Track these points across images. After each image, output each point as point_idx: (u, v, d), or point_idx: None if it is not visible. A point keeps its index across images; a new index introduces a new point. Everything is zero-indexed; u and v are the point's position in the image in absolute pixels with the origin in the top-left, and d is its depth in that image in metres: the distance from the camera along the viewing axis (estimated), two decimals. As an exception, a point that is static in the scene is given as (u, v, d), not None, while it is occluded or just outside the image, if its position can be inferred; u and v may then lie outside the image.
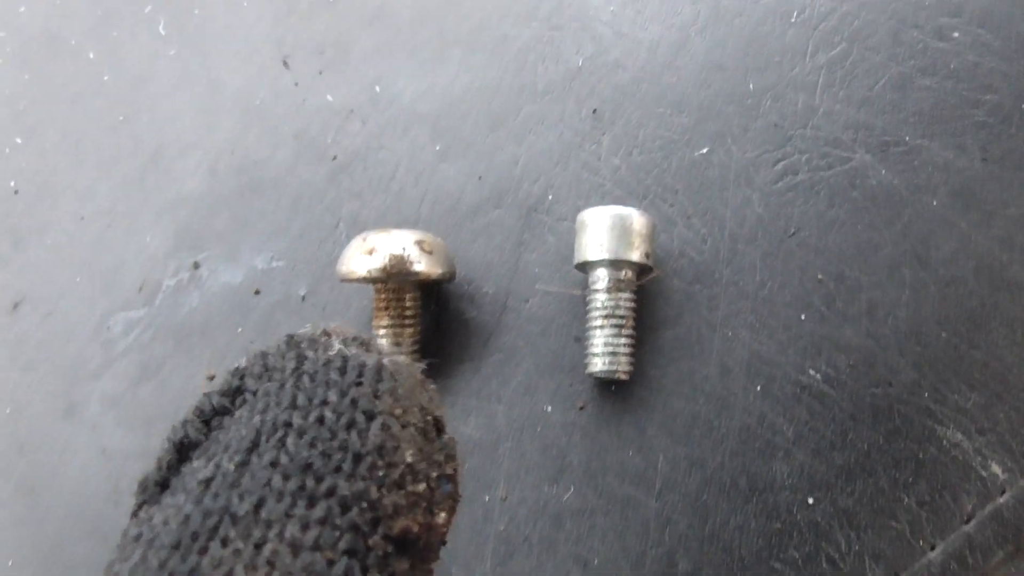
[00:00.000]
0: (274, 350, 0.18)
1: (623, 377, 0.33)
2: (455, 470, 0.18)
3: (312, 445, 0.16)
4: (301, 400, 0.16)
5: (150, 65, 0.43)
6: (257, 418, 0.17)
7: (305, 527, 0.15)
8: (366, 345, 0.18)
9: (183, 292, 0.38)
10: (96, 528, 0.35)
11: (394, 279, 0.32)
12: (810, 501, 0.33)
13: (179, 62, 0.43)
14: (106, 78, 0.44)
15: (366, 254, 0.32)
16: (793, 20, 0.38)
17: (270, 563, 0.14)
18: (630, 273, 0.33)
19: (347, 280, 0.33)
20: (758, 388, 0.33)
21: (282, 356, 0.18)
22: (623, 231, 0.32)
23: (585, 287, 0.34)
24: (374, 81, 0.40)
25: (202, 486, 0.15)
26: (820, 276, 0.34)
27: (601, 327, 0.32)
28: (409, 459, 0.16)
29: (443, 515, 0.17)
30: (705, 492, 0.32)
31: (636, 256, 0.32)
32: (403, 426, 0.17)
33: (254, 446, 0.16)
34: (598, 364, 0.33)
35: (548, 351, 0.35)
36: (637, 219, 0.33)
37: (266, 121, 0.41)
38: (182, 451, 0.18)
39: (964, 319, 0.34)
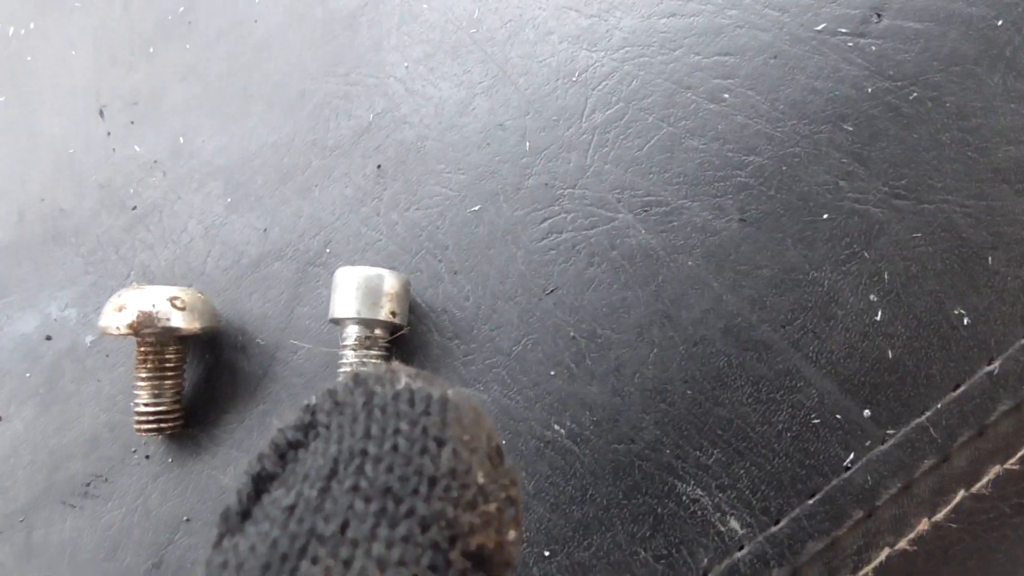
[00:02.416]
0: (342, 387, 0.20)
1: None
2: (518, 494, 0.19)
3: (389, 470, 0.17)
4: (375, 430, 0.18)
5: (-21, 112, 0.45)
6: (334, 448, 0.18)
7: (390, 545, 0.16)
8: (429, 380, 0.20)
9: (-21, 338, 0.39)
10: None
11: (147, 334, 0.33)
12: (546, 554, 0.33)
13: (5, 110, 0.44)
14: (-63, 124, 0.45)
15: (117, 311, 0.33)
16: (575, 79, 0.39)
17: None
18: (379, 331, 0.34)
19: (105, 334, 0.34)
20: (503, 442, 0.34)
21: (351, 392, 0.19)
22: (371, 291, 0.33)
23: (339, 342, 0.35)
24: (179, 133, 0.42)
25: (286, 512, 0.17)
26: (573, 334, 0.35)
27: (345, 383, 0.33)
28: (480, 480, 0.18)
29: (512, 533, 0.18)
30: None
31: (383, 315, 0.34)
32: (471, 451, 0.18)
33: (333, 473, 0.17)
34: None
35: (308, 404, 0.36)
36: (387, 279, 0.34)
37: (76, 170, 0.42)
38: (259, 484, 0.19)
39: (710, 378, 0.35)
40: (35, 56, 0.45)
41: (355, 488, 0.17)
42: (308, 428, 0.19)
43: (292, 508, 0.17)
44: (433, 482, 0.17)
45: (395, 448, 0.17)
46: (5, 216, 0.42)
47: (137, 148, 0.42)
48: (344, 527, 0.16)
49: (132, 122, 0.42)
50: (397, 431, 0.18)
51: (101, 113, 0.43)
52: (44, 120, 0.43)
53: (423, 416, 0.18)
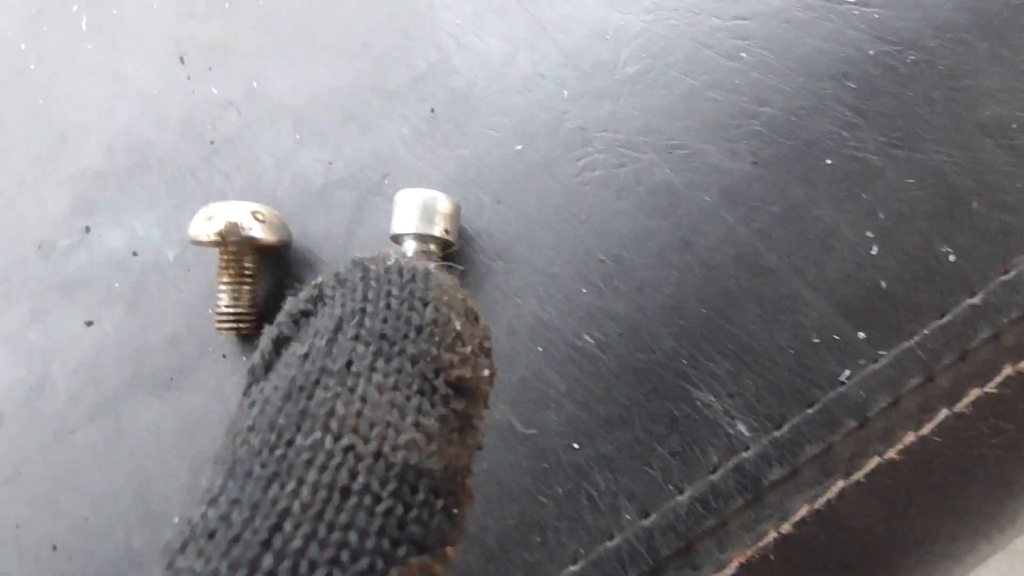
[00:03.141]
0: (343, 267, 0.24)
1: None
2: (491, 347, 0.24)
3: (384, 321, 0.21)
4: (371, 295, 0.22)
5: (70, 57, 0.50)
6: (338, 309, 0.22)
7: (386, 375, 0.20)
8: (413, 261, 0.25)
9: (74, 251, 0.44)
10: (-23, 444, 0.41)
11: (231, 243, 0.38)
12: (575, 446, 0.38)
13: (94, 55, 0.49)
14: (32, 67, 0.50)
15: (206, 220, 0.38)
16: (608, 37, 0.44)
17: (363, 399, 0.19)
18: (432, 246, 0.39)
19: (194, 242, 0.39)
20: (539, 348, 0.39)
21: (350, 270, 0.24)
22: (427, 210, 0.38)
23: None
24: (253, 78, 0.47)
25: (301, 358, 0.21)
26: (601, 257, 0.40)
27: (402, 290, 0.38)
28: (458, 327, 0.22)
29: (486, 372, 0.23)
30: (485, 434, 0.38)
31: (437, 231, 0.38)
32: (450, 308, 0.23)
33: (338, 328, 0.21)
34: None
35: (367, 311, 0.40)
36: (441, 201, 0.39)
37: (158, 109, 0.47)
38: (278, 345, 0.23)
39: (722, 298, 0.39)
40: (120, 9, 0.50)
41: (356, 337, 0.21)
42: (316, 300, 0.24)
43: (306, 355, 0.21)
44: (419, 329, 0.21)
45: (388, 306, 0.22)
46: (95, 147, 0.47)
47: (214, 91, 0.46)
48: (349, 364, 0.20)
49: (210, 68, 0.47)
50: (389, 294, 0.22)
51: (181, 60, 0.48)
52: (128, 65, 0.48)
53: (410, 283, 0.23)
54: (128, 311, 0.42)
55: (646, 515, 0.37)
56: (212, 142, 0.45)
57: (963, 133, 0.40)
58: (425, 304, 0.22)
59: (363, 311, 0.22)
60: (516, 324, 0.39)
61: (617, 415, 0.38)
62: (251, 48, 0.47)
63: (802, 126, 0.41)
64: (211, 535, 0.18)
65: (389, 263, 0.24)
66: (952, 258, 0.39)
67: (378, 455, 0.19)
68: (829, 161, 0.40)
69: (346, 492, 0.18)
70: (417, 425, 0.20)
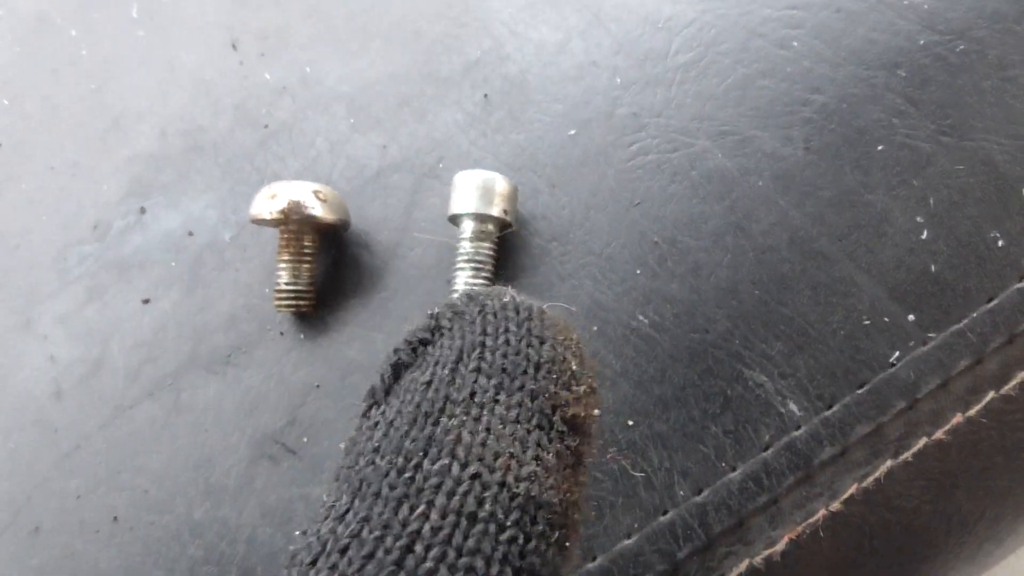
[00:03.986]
0: (459, 300, 0.25)
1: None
2: (596, 385, 0.25)
3: (504, 356, 0.22)
4: (490, 329, 0.23)
5: (121, 43, 0.50)
6: (458, 342, 0.23)
7: (508, 408, 0.21)
8: (527, 299, 0.25)
9: (130, 232, 0.45)
10: (39, 420, 0.42)
11: (293, 221, 0.39)
12: (630, 423, 0.39)
13: (145, 42, 0.50)
14: (84, 53, 0.51)
15: (270, 198, 0.39)
16: (660, 26, 0.45)
17: (487, 429, 0.20)
18: (491, 226, 0.40)
19: (255, 221, 0.39)
20: (594, 328, 0.40)
21: (467, 303, 0.25)
22: (486, 191, 0.39)
23: (456, 238, 0.40)
24: (306, 64, 0.47)
25: (424, 385, 0.22)
26: (656, 240, 0.41)
27: (462, 269, 0.39)
28: (574, 367, 0.23)
29: (596, 411, 0.24)
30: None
31: (496, 212, 0.39)
32: (565, 347, 0.23)
33: (459, 359, 0.22)
34: (458, 299, 0.39)
35: (424, 291, 0.41)
36: (499, 182, 0.39)
37: (212, 94, 0.48)
38: (397, 370, 0.24)
39: (775, 281, 0.40)
40: (171, -3, 0.51)
41: (478, 369, 0.22)
42: (433, 330, 0.24)
43: (429, 383, 0.22)
44: (538, 366, 0.22)
45: (507, 342, 0.22)
46: (148, 131, 0.47)
47: (267, 76, 0.47)
48: (472, 395, 0.21)
49: (262, 55, 0.48)
50: (507, 330, 0.23)
51: (234, 46, 0.48)
52: (181, 52, 0.49)
53: (527, 320, 0.23)
54: (185, 290, 0.43)
55: (699, 492, 0.38)
56: (266, 126, 0.46)
57: (1013, 122, 0.41)
58: (542, 342, 0.23)
59: (483, 344, 0.22)
60: (574, 305, 0.40)
61: (671, 394, 0.39)
62: (304, 36, 0.48)
63: (854, 114, 0.42)
64: (343, 551, 0.18)
65: (505, 299, 0.24)
66: (1001, 243, 0.40)
67: (503, 485, 0.19)
68: (881, 148, 0.41)
69: (473, 519, 0.18)
70: (537, 459, 0.20)
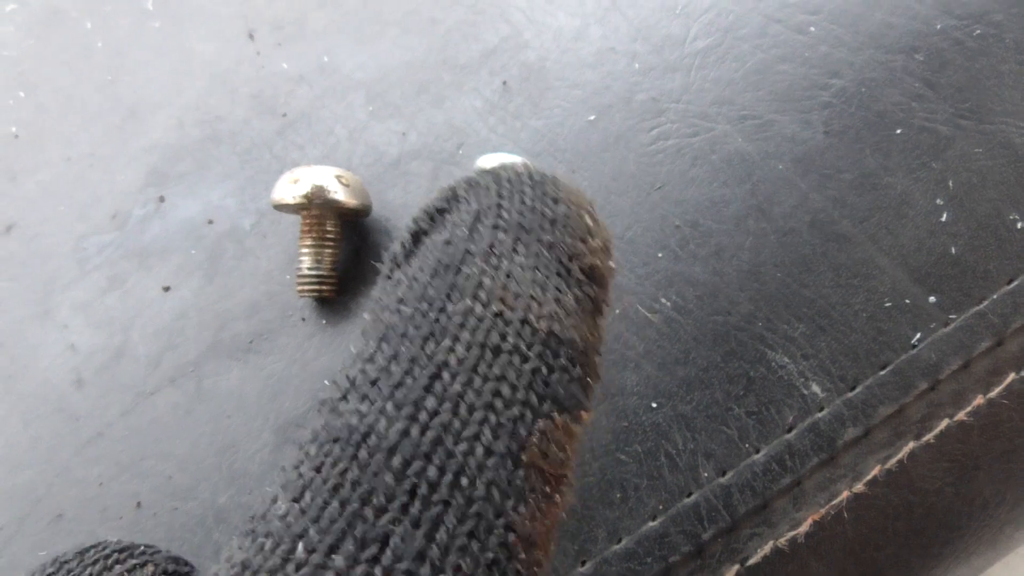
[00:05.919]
0: (473, 173, 0.25)
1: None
2: (612, 244, 0.25)
3: (520, 214, 0.22)
4: (504, 192, 0.23)
5: (136, 35, 0.50)
6: (474, 205, 0.23)
7: (526, 257, 0.21)
8: (541, 168, 0.26)
9: (149, 220, 0.45)
10: (60, 408, 0.41)
11: (315, 206, 0.39)
12: (654, 405, 0.39)
13: (160, 33, 0.50)
14: (99, 45, 0.51)
15: (292, 183, 0.39)
16: (678, 12, 0.45)
17: (507, 275, 0.21)
18: (513, 211, 0.40)
19: (278, 206, 0.39)
20: (617, 311, 0.40)
21: (482, 174, 0.25)
22: (509, 175, 0.39)
23: (478, 222, 0.40)
24: (323, 53, 0.47)
25: (444, 243, 0.22)
26: (677, 223, 0.41)
27: (485, 253, 0.39)
28: (589, 223, 0.24)
29: (612, 264, 0.24)
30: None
31: (518, 196, 0.39)
32: (578, 205, 0.24)
33: (476, 219, 0.23)
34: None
35: (446, 276, 0.41)
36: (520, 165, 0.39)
37: (229, 84, 0.48)
38: (416, 237, 0.25)
39: (797, 263, 0.40)
40: (186, -12, 0.51)
41: (495, 226, 0.22)
42: (450, 200, 0.25)
43: (448, 241, 0.22)
44: (553, 221, 0.23)
45: (523, 202, 0.23)
46: (165, 121, 0.47)
47: (284, 65, 0.47)
48: (491, 246, 0.21)
49: (279, 44, 0.48)
50: (523, 192, 0.23)
51: (250, 36, 0.48)
52: (196, 43, 0.49)
53: (541, 183, 0.24)
54: (206, 278, 0.43)
55: (723, 473, 0.38)
56: (284, 115, 0.46)
57: (1030, 104, 0.41)
58: (556, 201, 0.23)
59: (499, 206, 0.23)
60: (595, 288, 0.40)
61: (695, 376, 0.39)
62: (320, 24, 0.48)
63: (872, 97, 0.42)
64: (373, 382, 0.19)
65: (519, 168, 0.25)
66: (1020, 225, 0.40)
67: (524, 321, 0.20)
68: (900, 131, 0.41)
69: (497, 350, 0.19)
70: (557, 300, 0.21)
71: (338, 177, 0.39)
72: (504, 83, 0.44)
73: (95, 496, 0.40)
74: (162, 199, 0.45)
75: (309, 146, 0.45)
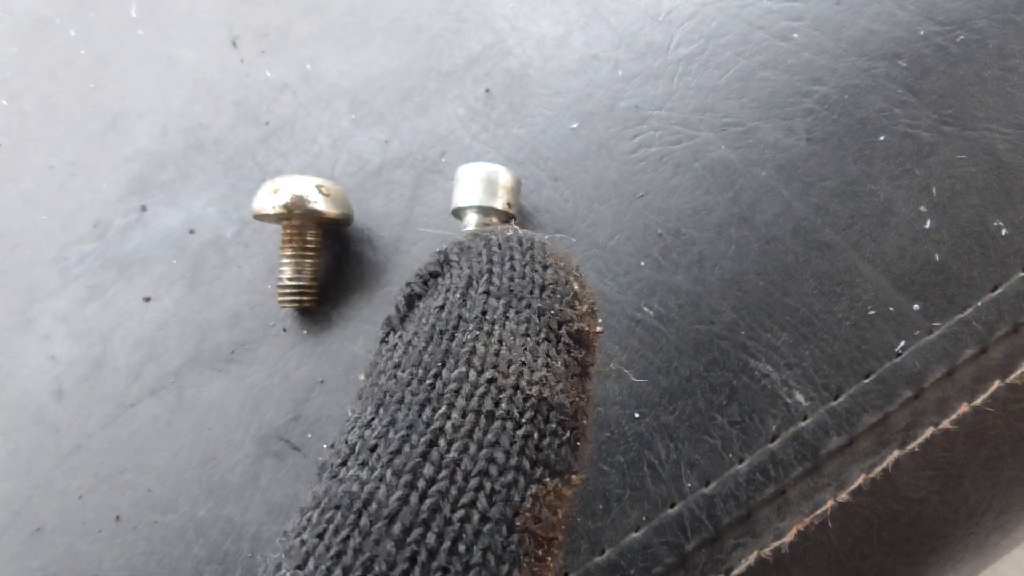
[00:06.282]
0: (464, 237, 0.26)
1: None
2: (597, 307, 0.26)
3: (511, 279, 0.23)
4: (495, 258, 0.24)
5: (120, 43, 0.50)
6: (466, 270, 0.24)
7: (517, 323, 0.22)
8: (529, 232, 0.27)
9: (130, 230, 0.45)
10: (40, 419, 0.41)
11: (296, 216, 0.39)
12: (636, 415, 0.38)
13: (144, 41, 0.50)
14: (82, 52, 0.51)
15: (272, 193, 0.38)
16: (661, 19, 0.45)
17: (499, 341, 0.21)
18: (494, 219, 0.39)
19: (258, 216, 0.39)
20: (599, 321, 0.39)
21: (472, 239, 0.26)
22: (490, 183, 0.39)
23: (459, 232, 0.40)
24: (307, 61, 0.47)
25: (437, 309, 0.23)
26: (660, 232, 0.41)
27: (466, 262, 0.39)
28: (576, 288, 0.25)
29: (599, 328, 0.25)
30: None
31: (499, 204, 0.39)
32: (567, 271, 0.25)
33: (468, 284, 0.24)
34: (462, 293, 0.39)
35: (428, 285, 0.41)
36: (503, 174, 0.39)
37: (213, 92, 0.48)
38: (410, 301, 0.25)
39: (780, 271, 0.40)
40: (170, -4, 0.51)
41: (487, 292, 0.23)
42: (442, 264, 0.26)
43: (442, 306, 0.23)
44: (543, 287, 0.24)
45: (512, 268, 0.24)
46: (149, 130, 0.47)
47: (268, 73, 0.47)
48: (483, 313, 0.22)
49: (263, 52, 0.48)
50: (512, 258, 0.24)
51: (234, 44, 0.48)
52: (181, 50, 0.49)
53: (530, 249, 0.25)
54: (187, 288, 0.43)
55: (707, 483, 0.38)
56: (267, 123, 0.46)
57: (1014, 111, 0.41)
58: (545, 267, 0.24)
59: (490, 271, 0.24)
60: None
61: (677, 386, 0.39)
62: (304, 32, 0.48)
63: (855, 104, 0.42)
64: (372, 449, 0.19)
65: (508, 233, 0.26)
66: (1004, 232, 0.40)
67: (517, 387, 0.21)
68: (883, 138, 0.41)
69: (491, 416, 0.20)
70: (547, 366, 0.22)
71: (319, 187, 0.39)
72: (487, 90, 0.44)
73: (75, 509, 0.39)
74: (144, 208, 0.45)
75: (292, 154, 0.45)
